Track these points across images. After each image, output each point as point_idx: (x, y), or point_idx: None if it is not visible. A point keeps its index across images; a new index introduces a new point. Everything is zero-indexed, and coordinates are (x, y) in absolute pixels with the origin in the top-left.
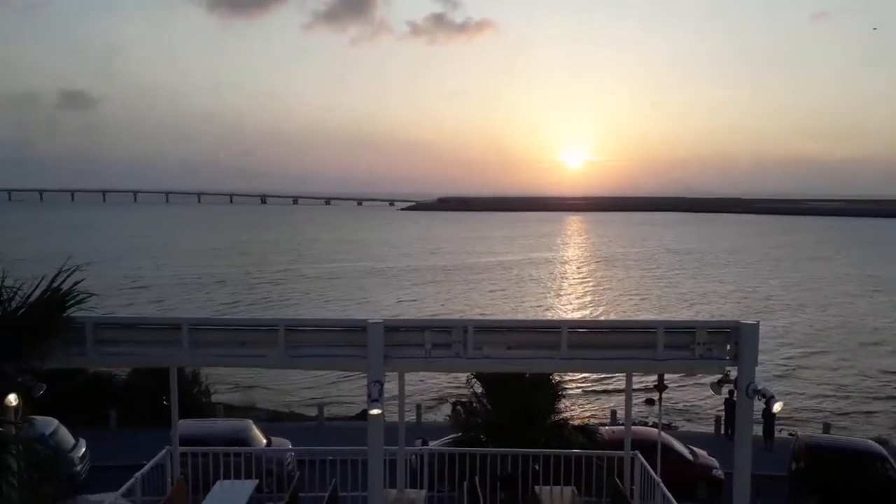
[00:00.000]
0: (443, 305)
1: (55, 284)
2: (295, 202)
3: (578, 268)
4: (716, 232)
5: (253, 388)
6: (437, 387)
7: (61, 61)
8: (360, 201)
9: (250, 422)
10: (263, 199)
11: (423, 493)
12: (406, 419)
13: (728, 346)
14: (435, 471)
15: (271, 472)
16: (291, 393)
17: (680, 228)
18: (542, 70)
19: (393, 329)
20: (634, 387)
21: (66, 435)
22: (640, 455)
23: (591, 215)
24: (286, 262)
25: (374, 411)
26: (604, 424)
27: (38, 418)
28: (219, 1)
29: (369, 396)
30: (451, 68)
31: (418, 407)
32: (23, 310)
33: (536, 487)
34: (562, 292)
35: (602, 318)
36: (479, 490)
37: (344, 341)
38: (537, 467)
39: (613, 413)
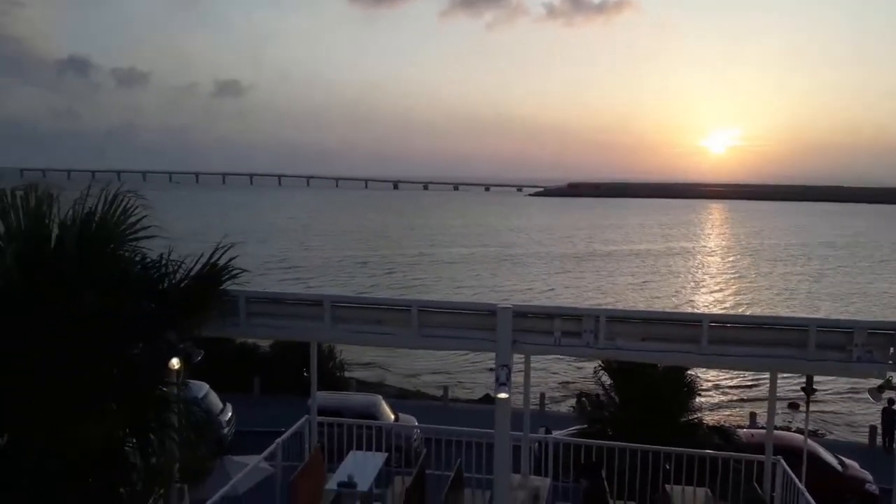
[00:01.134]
0: (573, 293)
1: (212, 260)
2: (425, 187)
3: (720, 259)
4: (877, 225)
5: (383, 366)
6: (561, 377)
7: (218, 52)
8: (487, 187)
9: (380, 397)
10: (396, 184)
11: (548, 481)
12: (530, 407)
13: (891, 350)
14: (560, 461)
15: (399, 448)
16: (419, 373)
17: (834, 220)
18: (681, 51)
19: (522, 315)
20: (777, 390)
21: (215, 399)
22: (782, 461)
23: (735, 203)
24: (419, 246)
25: (502, 395)
26: (742, 426)
27: (192, 382)
28: None
29: (497, 380)
30: (587, 51)
31: (542, 395)
32: (185, 282)
33: (668, 486)
34: (701, 285)
35: (746, 312)
36: (605, 483)
37: (473, 324)
38: (668, 466)
39: (753, 415)
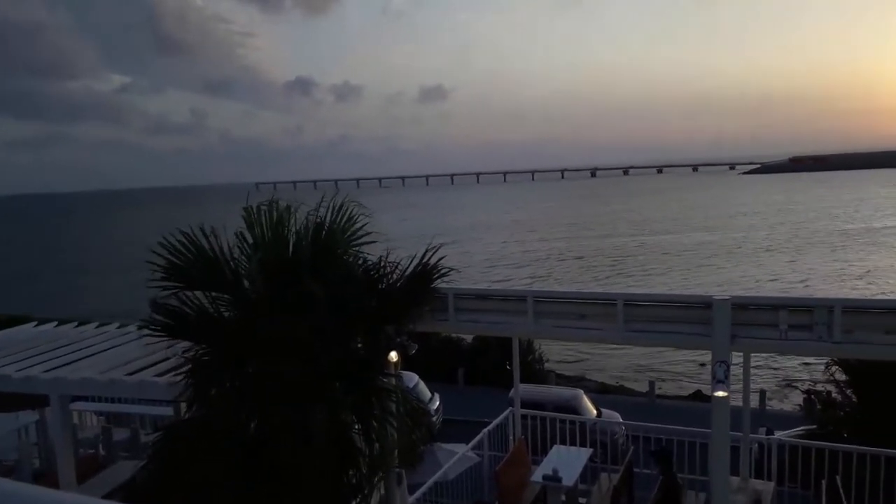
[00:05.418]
0: (800, 281)
1: (424, 260)
2: (625, 173)
3: None
4: None
5: (583, 360)
6: (783, 373)
7: (422, 60)
8: (695, 167)
9: (581, 391)
10: (593, 172)
11: (772, 485)
12: (750, 405)
13: None
14: (786, 464)
15: (604, 444)
16: (621, 367)
17: None
18: None
19: (741, 307)
20: None
21: (424, 389)
22: None
23: None
24: (619, 235)
25: (720, 393)
26: None
27: (405, 373)
28: None
29: (714, 377)
30: (810, 10)
31: (762, 392)
32: (401, 282)
33: None
34: None
35: None
36: (841, 491)
37: (686, 318)
38: None
39: None
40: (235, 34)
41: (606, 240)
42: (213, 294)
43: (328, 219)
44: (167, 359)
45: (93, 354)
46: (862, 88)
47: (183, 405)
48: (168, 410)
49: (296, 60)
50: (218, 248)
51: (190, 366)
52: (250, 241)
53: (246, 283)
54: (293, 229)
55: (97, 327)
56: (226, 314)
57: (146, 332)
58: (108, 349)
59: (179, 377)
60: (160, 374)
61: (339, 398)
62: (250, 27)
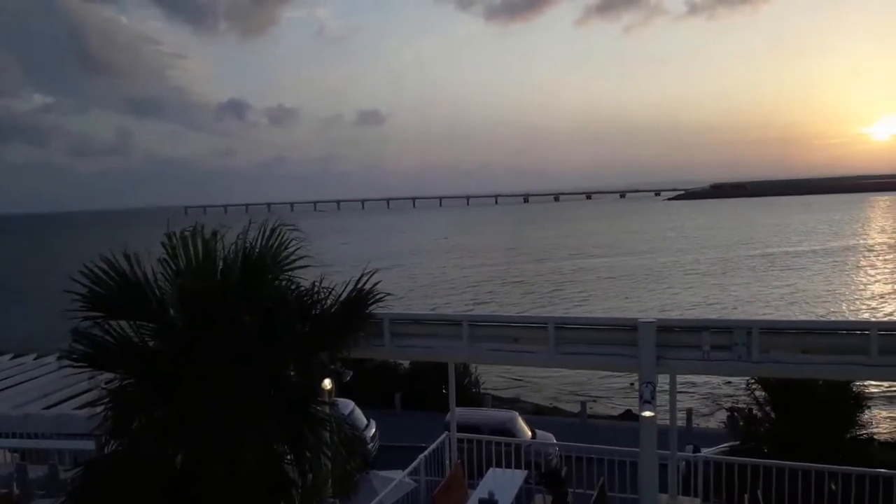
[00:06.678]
0: (716, 304)
1: (360, 285)
2: (556, 199)
3: (882, 259)
4: None
5: (518, 382)
6: (708, 391)
7: (359, 84)
8: (622, 193)
9: (516, 413)
10: (526, 197)
11: (698, 501)
12: (677, 423)
13: None
14: (711, 480)
15: (539, 465)
16: (555, 388)
17: None
18: (837, 30)
19: (666, 329)
20: None
21: (360, 415)
22: None
23: None
24: (557, 259)
25: (647, 413)
26: None
27: (340, 400)
28: (496, 9)
29: (641, 397)
30: (730, 46)
31: (689, 411)
32: (335, 307)
33: None
34: (868, 288)
35: None
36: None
37: (614, 340)
38: (833, 486)
39: None
40: (165, 55)
41: (544, 264)
42: (138, 322)
43: (259, 243)
44: (89, 390)
45: (8, 387)
46: (776, 119)
47: (105, 439)
48: (89, 444)
49: (229, 82)
50: (142, 274)
51: (112, 397)
52: (175, 267)
53: (171, 310)
54: (221, 254)
55: (12, 358)
56: (151, 343)
57: (66, 362)
58: (25, 381)
59: (101, 409)
60: (80, 407)
61: (270, 428)
62: (182, 48)
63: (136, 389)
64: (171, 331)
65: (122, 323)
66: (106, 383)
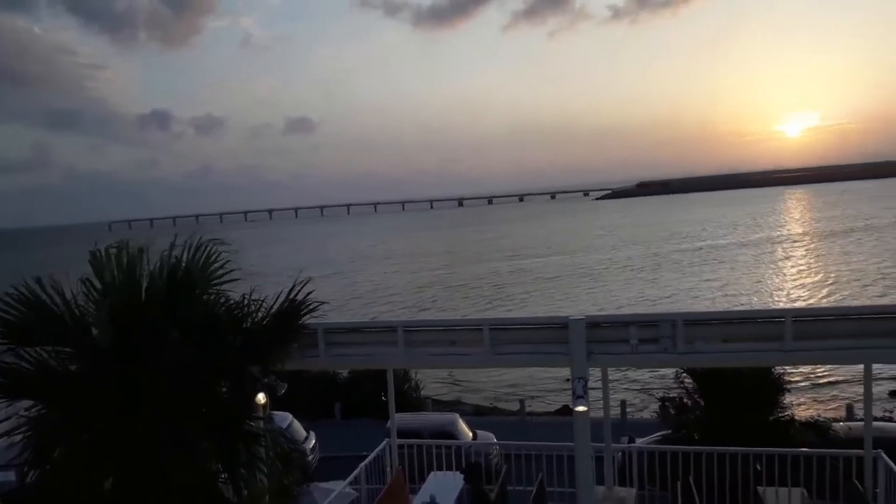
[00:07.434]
0: (648, 298)
1: (292, 296)
2: (490, 202)
3: (800, 248)
4: None
5: (458, 384)
6: (640, 383)
7: (288, 92)
8: (553, 195)
9: (457, 415)
10: (460, 202)
11: (633, 491)
12: (610, 416)
13: None
14: (645, 469)
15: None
16: (494, 388)
17: None
18: (752, 33)
19: (595, 325)
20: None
21: (298, 428)
22: (884, 454)
23: (815, 188)
24: (495, 261)
25: (580, 408)
26: (838, 420)
27: (276, 413)
28: (423, 15)
29: (574, 393)
30: (653, 48)
31: (623, 403)
32: (267, 319)
33: (759, 488)
34: (783, 277)
35: (832, 304)
36: (693, 490)
37: (546, 338)
38: (759, 467)
39: (850, 408)
40: (82, 66)
41: (483, 265)
42: (56, 348)
43: (185, 258)
44: (7, 419)
45: None
46: (696, 118)
47: (25, 469)
48: (10, 476)
49: (151, 93)
50: (59, 297)
51: (30, 425)
52: (98, 286)
53: (94, 331)
54: (146, 271)
55: None
56: (71, 367)
57: None
58: None
59: (19, 438)
60: None
61: (202, 446)
62: (100, 59)
63: (56, 416)
64: (92, 353)
65: (41, 349)
66: (25, 410)
